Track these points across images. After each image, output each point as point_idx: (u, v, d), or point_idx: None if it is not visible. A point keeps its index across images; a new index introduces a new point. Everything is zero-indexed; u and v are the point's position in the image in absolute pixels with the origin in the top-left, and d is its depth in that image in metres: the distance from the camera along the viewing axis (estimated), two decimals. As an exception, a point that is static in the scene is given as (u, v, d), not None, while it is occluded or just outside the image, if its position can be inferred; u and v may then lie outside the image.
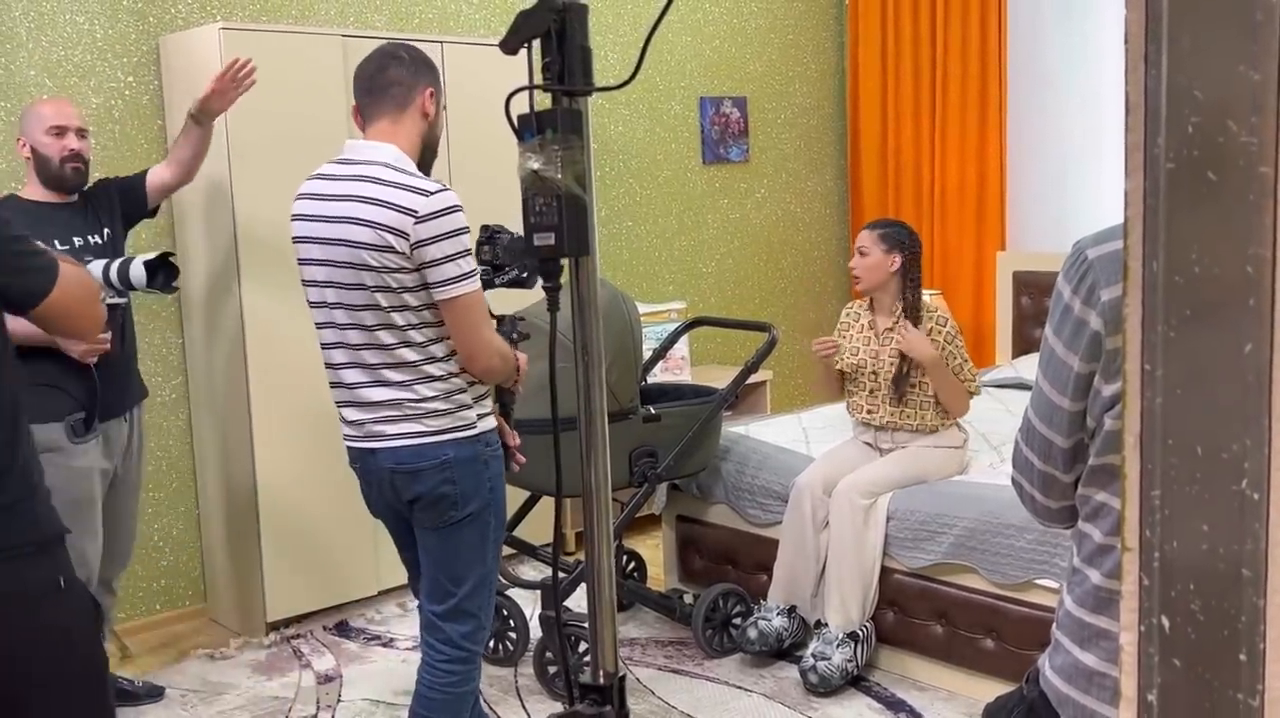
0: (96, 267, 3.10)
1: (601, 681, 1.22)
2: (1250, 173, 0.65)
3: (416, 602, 2.71)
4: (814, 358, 3.57)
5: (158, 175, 3.43)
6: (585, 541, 1.23)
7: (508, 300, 3.06)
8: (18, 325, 3.00)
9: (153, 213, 3.50)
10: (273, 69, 3.82)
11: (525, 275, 2.60)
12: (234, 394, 3.92)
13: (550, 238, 1.11)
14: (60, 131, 3.14)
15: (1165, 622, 0.71)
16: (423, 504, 2.43)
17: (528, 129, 1.12)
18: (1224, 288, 0.67)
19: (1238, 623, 0.67)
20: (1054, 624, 1.38)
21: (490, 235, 2.57)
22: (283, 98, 3.86)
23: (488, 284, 2.58)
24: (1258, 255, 0.65)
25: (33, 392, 3.07)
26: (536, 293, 3.05)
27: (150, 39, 3.99)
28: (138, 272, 3.07)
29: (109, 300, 3.13)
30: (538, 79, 1.12)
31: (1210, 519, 0.68)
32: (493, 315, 2.50)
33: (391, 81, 2.39)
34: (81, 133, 3.19)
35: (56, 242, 3.13)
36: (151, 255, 3.09)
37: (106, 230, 3.28)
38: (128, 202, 3.39)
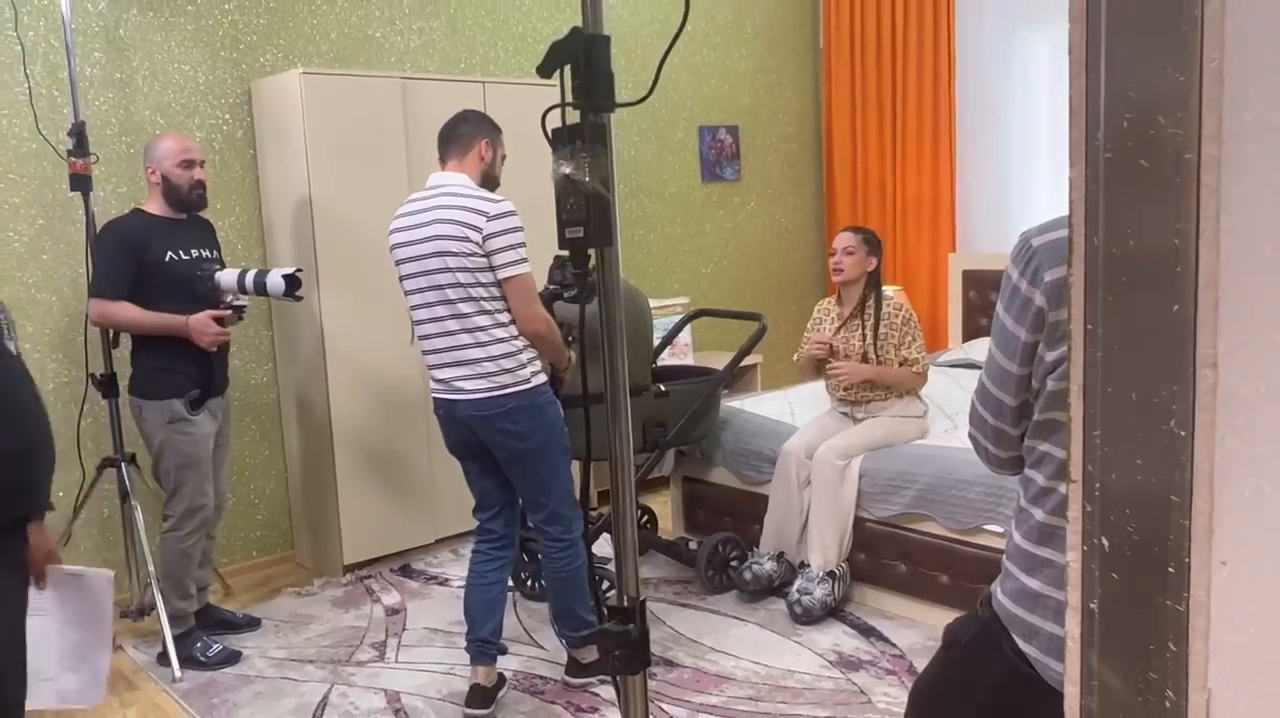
0: (231, 274, 3.16)
1: (626, 603, 1.21)
2: (1177, 160, 0.64)
3: (469, 547, 3.01)
4: (807, 352, 3.57)
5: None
6: (611, 490, 1.22)
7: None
8: (142, 317, 3.06)
9: None
10: (344, 106, 3.81)
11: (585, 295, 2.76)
12: (314, 378, 3.92)
13: (580, 231, 1.10)
14: (189, 164, 3.17)
15: (1105, 542, 0.70)
16: (496, 442, 2.71)
17: (560, 140, 1.10)
18: (1154, 258, 0.65)
19: (1167, 541, 0.66)
20: (1004, 556, 1.36)
21: (561, 263, 2.84)
22: (352, 129, 3.85)
23: (557, 297, 2.91)
24: (1183, 229, 0.64)
25: (160, 373, 3.15)
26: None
27: (244, 83, 3.99)
28: (276, 282, 3.15)
29: (237, 302, 3.20)
30: (569, 98, 1.11)
31: (1144, 454, 0.67)
32: (556, 321, 2.81)
33: (459, 135, 2.77)
34: (202, 163, 3.23)
35: (181, 251, 3.17)
36: (290, 270, 3.17)
37: (215, 250, 3.32)
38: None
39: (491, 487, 2.85)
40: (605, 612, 1.19)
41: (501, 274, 2.60)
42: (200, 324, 3.10)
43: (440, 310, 2.65)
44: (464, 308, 2.62)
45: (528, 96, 4.32)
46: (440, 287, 2.63)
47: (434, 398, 2.77)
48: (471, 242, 2.58)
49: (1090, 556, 0.71)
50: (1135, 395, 0.67)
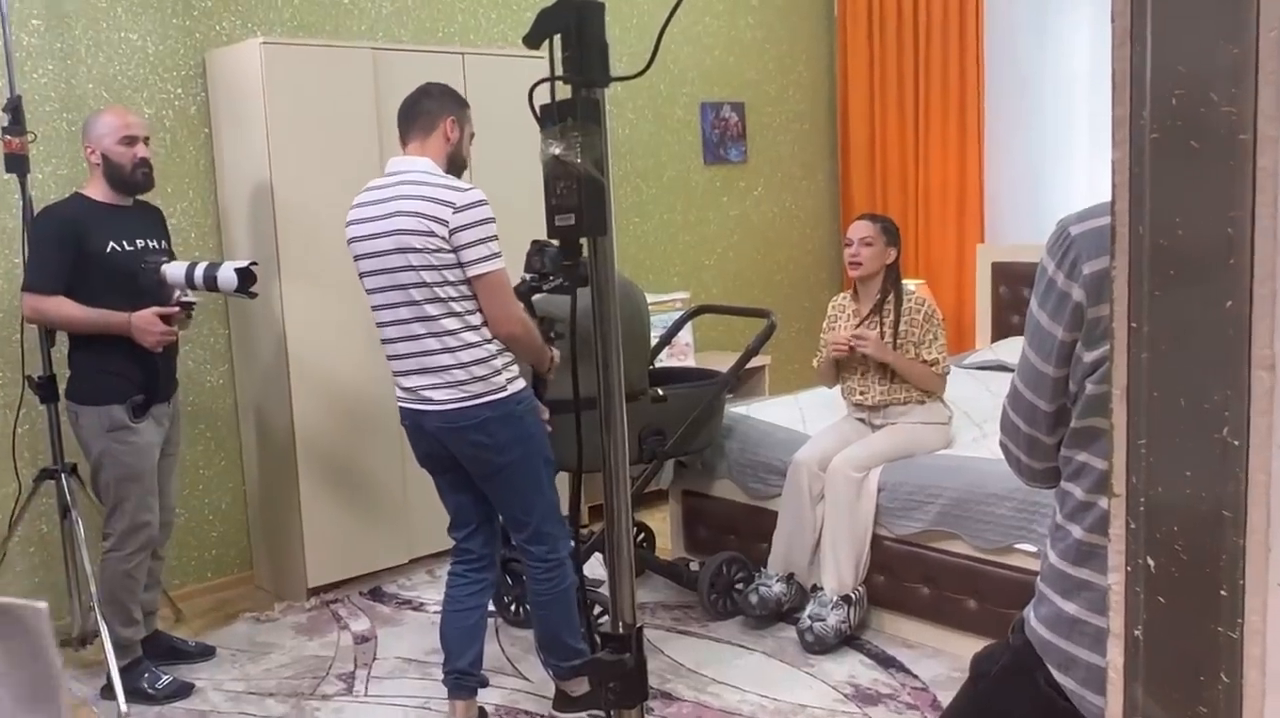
0: (179, 267, 3.14)
1: (621, 630, 1.21)
2: (1230, 140, 0.64)
3: (446, 568, 2.97)
4: (827, 356, 3.57)
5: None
6: (605, 506, 1.23)
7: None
8: (80, 314, 3.04)
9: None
10: (308, 79, 3.81)
11: (568, 284, 2.72)
12: (274, 381, 3.92)
13: (570, 218, 1.10)
14: (131, 141, 3.14)
15: (1151, 562, 0.70)
16: (470, 457, 2.70)
17: (549, 118, 1.11)
18: (1205, 249, 0.65)
19: (1219, 561, 0.66)
20: (1038, 578, 1.37)
21: (540, 248, 2.79)
22: (317, 105, 3.84)
23: (536, 289, 2.85)
24: (1237, 217, 0.64)
25: (99, 376, 3.13)
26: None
27: (197, 54, 3.98)
28: (228, 276, 3.12)
29: (186, 298, 3.18)
30: (559, 71, 1.11)
31: (1193, 465, 0.67)
32: (535, 316, 2.81)
33: (421, 112, 2.72)
34: (146, 140, 3.21)
35: (124, 241, 3.15)
36: (243, 264, 3.14)
37: (164, 241, 3.31)
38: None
39: (467, 502, 2.85)
40: (598, 640, 1.19)
41: (471, 272, 2.57)
42: (144, 323, 3.08)
43: (404, 312, 2.62)
44: (430, 309, 2.59)
45: (513, 69, 4.32)
46: (404, 286, 2.60)
47: (400, 408, 2.76)
48: (437, 236, 2.54)
49: (1134, 577, 0.72)
50: (1184, 401, 0.68)
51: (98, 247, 3.09)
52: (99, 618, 3.18)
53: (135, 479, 3.18)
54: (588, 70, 1.09)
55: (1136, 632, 0.72)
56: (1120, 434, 0.72)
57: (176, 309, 3.16)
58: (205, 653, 3.52)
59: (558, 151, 1.08)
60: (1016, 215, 5.52)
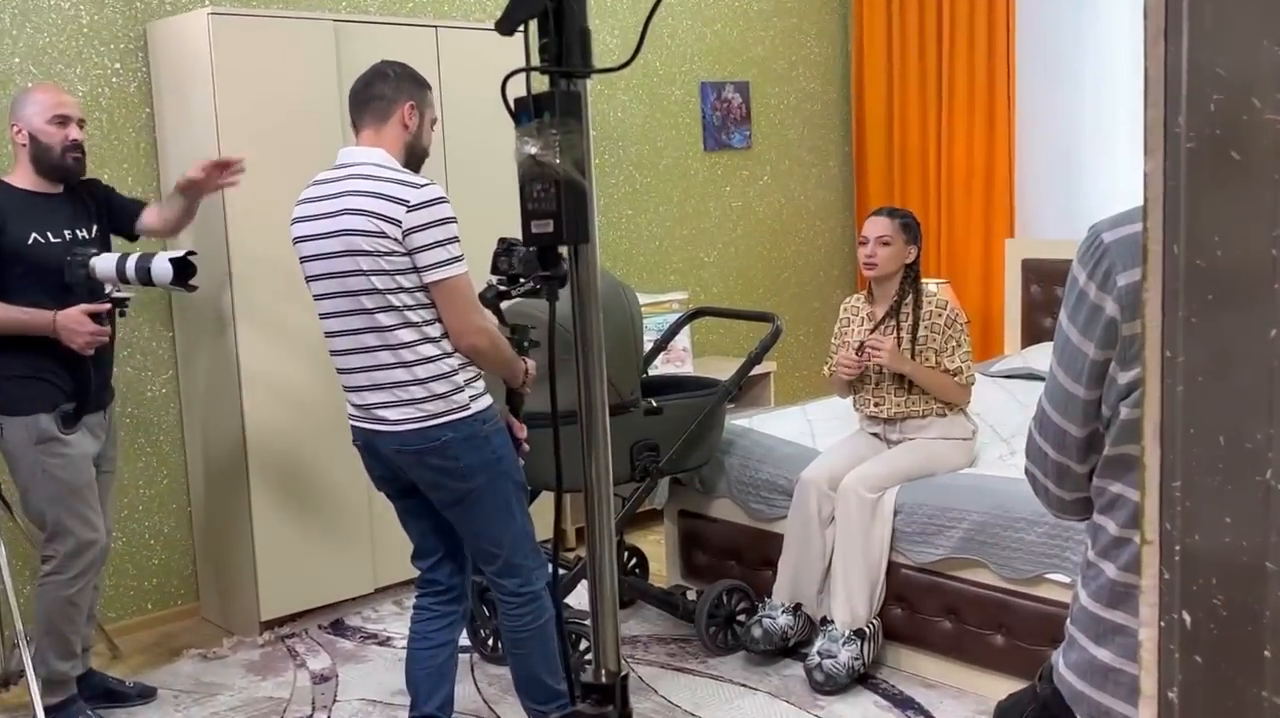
0: (109, 259, 3.11)
1: (604, 679, 1.21)
2: (1275, 152, 0.64)
3: (412, 596, 2.99)
4: (837, 375, 3.58)
5: (149, 218, 3.43)
6: (586, 536, 1.23)
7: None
8: (2, 316, 3.02)
9: (133, 238, 3.50)
10: (262, 54, 3.81)
11: (540, 287, 2.74)
12: (225, 390, 3.91)
13: (548, 225, 1.10)
14: (63, 121, 3.12)
15: (1187, 617, 0.70)
16: (430, 483, 2.67)
17: (524, 112, 1.10)
18: (1247, 271, 0.65)
19: (1262, 618, 0.66)
20: (1068, 620, 1.37)
21: (508, 248, 2.75)
22: (272, 84, 3.84)
23: (505, 295, 2.84)
24: (1283, 237, 0.64)
25: (26, 383, 3.11)
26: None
27: (138, 25, 3.98)
28: (162, 268, 3.10)
29: (116, 294, 3.17)
30: (535, 61, 1.11)
31: (1233, 511, 0.67)
32: (505, 324, 2.81)
33: (374, 96, 2.68)
34: (81, 123, 3.19)
35: (49, 233, 3.14)
36: (179, 253, 3.13)
37: (95, 227, 3.29)
38: (116, 217, 3.40)
39: (430, 529, 2.85)
40: (579, 687, 1.19)
41: (429, 277, 2.54)
42: (72, 322, 3.06)
43: (355, 322, 2.60)
44: (384, 319, 2.56)
45: (492, 46, 4.32)
46: (354, 293, 2.57)
47: (351, 426, 2.74)
48: (389, 237, 2.51)
49: (1168, 633, 0.72)
50: (1224, 439, 0.68)
51: (18, 238, 3.06)
52: (24, 655, 3.16)
53: (74, 494, 3.16)
54: (567, 60, 1.09)
55: (1171, 694, 0.72)
56: (1153, 474, 0.72)
57: (107, 306, 3.14)
58: (145, 695, 3.51)
59: (534, 151, 1.07)
60: (1050, 207, 5.53)
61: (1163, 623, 0.71)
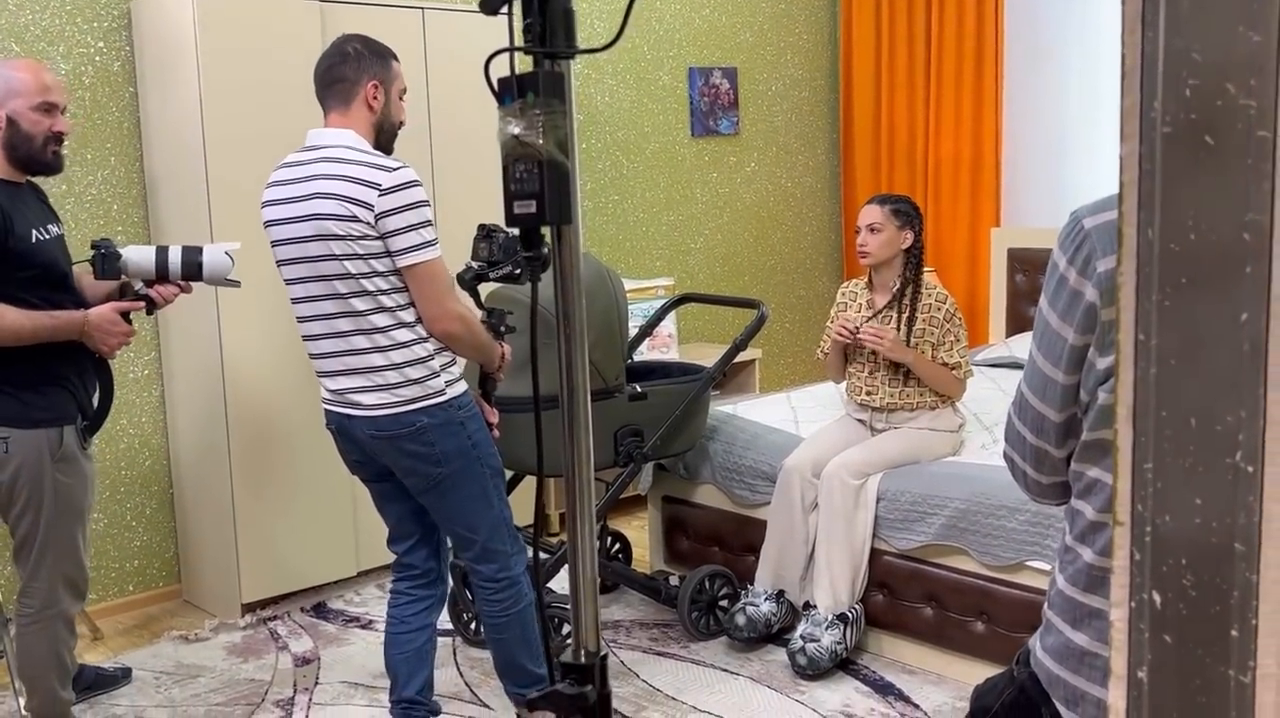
0: (145, 252, 2.85)
1: (582, 659, 1.22)
2: (1249, 136, 0.65)
3: (392, 577, 2.96)
4: (833, 342, 3.58)
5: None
6: (567, 518, 1.23)
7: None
8: (26, 322, 2.71)
9: None
10: (248, 33, 3.79)
11: (519, 272, 2.77)
12: (207, 371, 3.90)
13: (531, 205, 1.10)
14: (49, 109, 2.80)
15: (1157, 597, 0.71)
16: (405, 468, 2.66)
17: (508, 93, 1.10)
18: (1220, 255, 0.66)
19: (1230, 598, 0.67)
20: (1045, 604, 1.38)
21: (487, 233, 2.72)
22: (258, 64, 3.82)
23: (482, 278, 2.75)
24: (1255, 222, 0.65)
25: (47, 393, 2.79)
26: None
27: (122, 3, 3.95)
28: (220, 262, 2.86)
29: (145, 290, 2.89)
30: (519, 41, 1.11)
31: (1203, 493, 0.68)
32: (481, 306, 2.79)
33: (336, 78, 2.63)
34: (65, 111, 2.87)
35: (41, 227, 2.82)
36: (233, 246, 2.91)
37: (60, 226, 2.97)
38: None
39: (405, 513, 2.85)
40: (558, 668, 1.20)
41: (402, 261, 2.52)
42: (107, 323, 2.79)
43: (328, 306, 2.58)
44: (357, 304, 2.55)
45: (480, 28, 4.31)
46: (326, 277, 2.55)
47: (325, 409, 2.73)
48: (361, 221, 2.49)
49: (1138, 613, 0.73)
50: (1195, 421, 0.69)
51: (23, 235, 2.74)
52: (16, 691, 2.93)
53: (79, 520, 2.87)
54: (551, 40, 1.09)
55: (1140, 673, 0.73)
56: (1125, 456, 0.72)
57: (141, 304, 2.87)
58: (125, 675, 3.51)
59: (517, 131, 1.08)
60: (1036, 196, 5.56)
61: (1133, 603, 0.72)
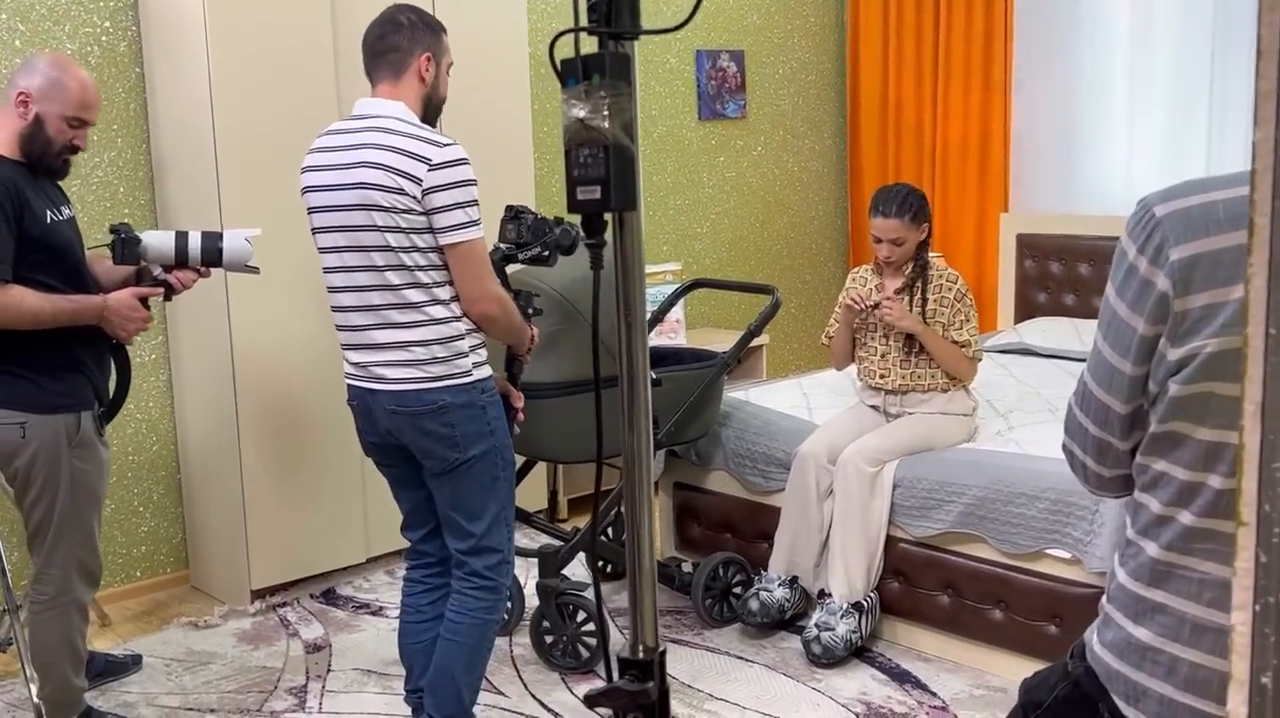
0: (164, 237, 2.83)
1: (640, 655, 1.19)
2: (1396, 123, 0.62)
3: (404, 566, 2.93)
4: (841, 320, 3.56)
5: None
6: (625, 508, 1.20)
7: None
8: (47, 306, 2.69)
9: None
10: (257, 12, 3.74)
11: (546, 254, 2.76)
12: (215, 355, 3.86)
13: (596, 191, 1.07)
14: (82, 124, 2.78)
15: (1284, 601, 0.68)
16: (423, 448, 2.62)
17: (572, 74, 1.07)
18: (1363, 246, 0.64)
19: (1366, 602, 0.65)
20: (1104, 597, 1.36)
21: (515, 214, 2.70)
22: (267, 41, 3.77)
23: (510, 259, 2.76)
24: (1401, 212, 0.63)
25: (66, 378, 2.77)
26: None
27: (127, -18, 3.90)
28: (240, 249, 2.84)
29: (164, 276, 2.86)
30: (583, 21, 1.08)
31: (1338, 493, 0.65)
32: (509, 288, 2.72)
33: (389, 48, 2.60)
34: (92, 125, 2.84)
35: (51, 210, 2.77)
36: (254, 231, 2.89)
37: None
38: None
39: (421, 499, 2.80)
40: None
41: (445, 239, 2.50)
42: (126, 308, 2.77)
43: (363, 278, 2.56)
44: (393, 278, 2.52)
45: (495, 4, 4.26)
46: (365, 248, 2.53)
47: (348, 385, 2.70)
48: (408, 195, 2.46)
49: (1264, 616, 0.70)
50: (1331, 419, 0.66)
51: (39, 217, 2.70)
52: (28, 678, 2.93)
53: (95, 507, 2.85)
54: (617, 20, 1.05)
55: (1264, 680, 0.70)
56: (1252, 456, 0.70)
57: (159, 290, 2.86)
58: (135, 662, 3.49)
59: (582, 114, 1.04)
60: (1045, 181, 5.52)
61: (1258, 607, 0.70)
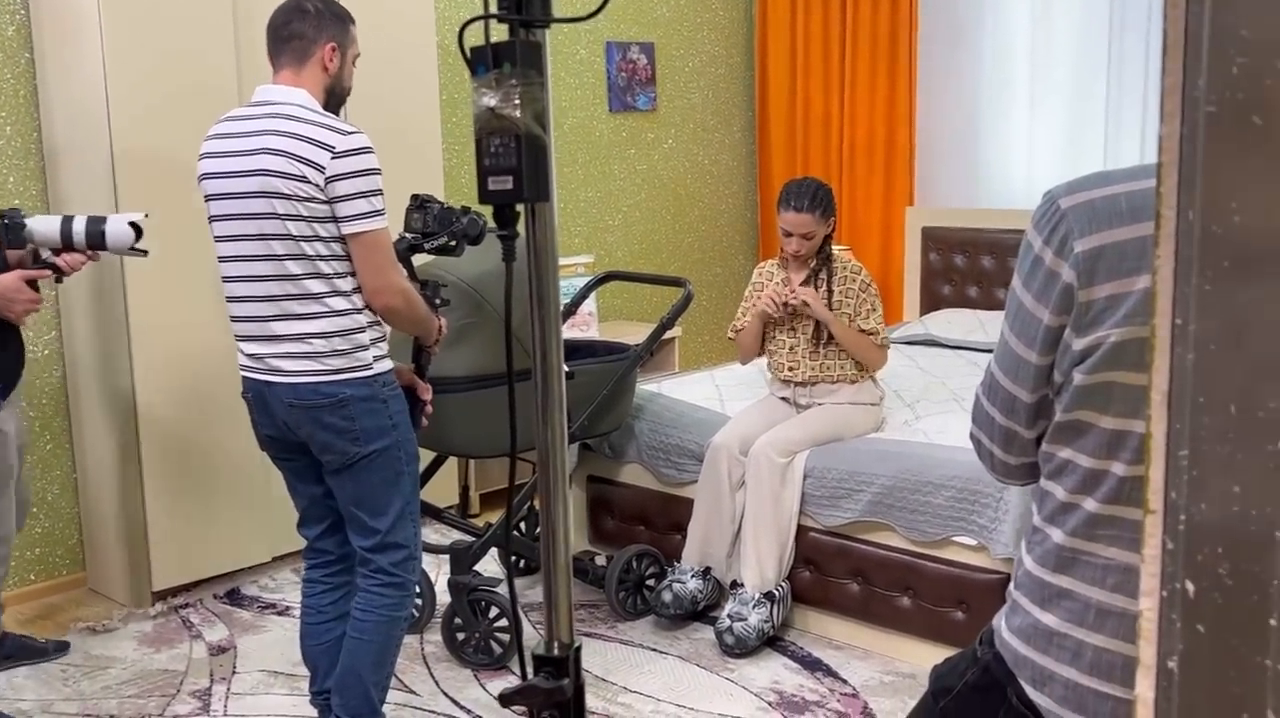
0: (50, 222, 2.87)
1: (555, 652, 1.18)
2: (1298, 117, 0.63)
3: (305, 564, 2.87)
4: (757, 312, 3.56)
5: None
6: (541, 502, 1.19)
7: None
8: None
9: None
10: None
11: (454, 244, 2.72)
12: (113, 351, 3.74)
13: (507, 181, 1.05)
14: None
15: (1190, 587, 0.70)
16: (322, 443, 2.56)
17: (482, 63, 1.05)
18: (1265, 238, 0.65)
19: (1269, 588, 0.66)
20: (1011, 584, 1.38)
21: (420, 204, 2.66)
22: (164, 25, 3.65)
23: (416, 249, 2.72)
24: (1302, 204, 0.64)
25: None
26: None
27: (15, -37, 3.75)
28: (122, 232, 2.85)
29: (52, 259, 2.90)
30: (493, 8, 1.05)
31: (1242, 481, 0.67)
32: (415, 278, 2.69)
33: (293, 34, 2.55)
34: None
35: None
36: (138, 215, 2.90)
37: None
38: None
39: (319, 495, 2.74)
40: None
41: (348, 229, 2.45)
42: (11, 289, 2.84)
43: (261, 267, 2.50)
44: (293, 267, 2.47)
45: (394, -4, 4.19)
46: (265, 236, 2.48)
47: (243, 376, 2.64)
48: (311, 183, 2.42)
49: (1170, 602, 0.71)
50: (1235, 408, 0.67)
51: None
52: None
53: (5, 480, 2.94)
54: (528, 8, 1.03)
55: (1171, 664, 0.72)
56: (1159, 444, 0.71)
57: (48, 272, 2.89)
58: (60, 649, 3.47)
59: (492, 103, 1.02)
60: (950, 175, 5.63)
61: (1165, 593, 0.71)
